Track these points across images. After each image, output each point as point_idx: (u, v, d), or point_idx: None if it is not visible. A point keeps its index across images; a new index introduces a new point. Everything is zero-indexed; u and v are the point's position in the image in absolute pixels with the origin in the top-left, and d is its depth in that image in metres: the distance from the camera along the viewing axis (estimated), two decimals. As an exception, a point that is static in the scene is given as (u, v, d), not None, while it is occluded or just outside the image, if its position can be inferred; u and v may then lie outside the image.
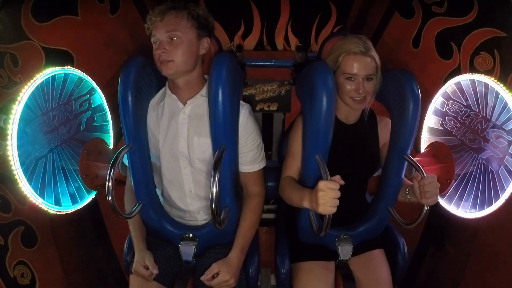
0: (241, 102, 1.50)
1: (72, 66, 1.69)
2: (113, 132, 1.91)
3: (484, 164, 1.55)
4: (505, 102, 1.44)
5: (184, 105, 1.48)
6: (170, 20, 1.37)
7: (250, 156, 1.53)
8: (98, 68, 1.88)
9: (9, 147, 1.34)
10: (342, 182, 1.24)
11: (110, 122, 1.90)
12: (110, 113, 1.89)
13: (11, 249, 1.50)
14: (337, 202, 1.23)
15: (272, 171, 1.88)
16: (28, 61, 1.51)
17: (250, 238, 1.55)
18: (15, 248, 1.52)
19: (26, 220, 1.56)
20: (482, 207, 1.53)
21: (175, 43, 1.36)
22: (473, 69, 1.68)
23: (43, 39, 1.59)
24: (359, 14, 2.69)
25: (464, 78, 1.63)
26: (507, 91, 1.44)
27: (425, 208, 1.38)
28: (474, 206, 1.57)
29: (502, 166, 1.47)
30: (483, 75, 1.55)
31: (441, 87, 1.77)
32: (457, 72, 1.77)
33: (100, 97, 1.82)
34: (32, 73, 1.47)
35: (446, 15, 1.87)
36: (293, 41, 2.78)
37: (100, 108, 1.84)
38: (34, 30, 1.55)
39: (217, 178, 1.27)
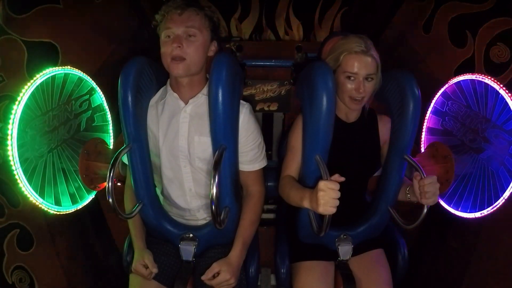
0: (242, 101, 1.50)
1: (57, 57, 1.60)
2: (113, 132, 1.91)
3: (484, 164, 1.55)
4: (505, 102, 1.44)
5: (186, 104, 1.48)
6: (190, 16, 1.36)
7: (251, 155, 1.53)
8: (86, 57, 1.80)
9: (9, 147, 1.33)
10: (342, 179, 1.25)
11: (110, 122, 1.90)
12: (110, 113, 1.88)
13: (8, 255, 1.46)
14: (337, 202, 1.23)
15: (272, 171, 1.89)
16: (9, 58, 1.42)
17: (250, 237, 1.55)
18: (12, 253, 1.48)
19: (20, 222, 1.52)
20: (482, 207, 1.53)
21: (191, 40, 1.35)
22: (488, 60, 1.61)
23: (23, 33, 1.47)
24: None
25: (464, 78, 1.63)
26: (506, 91, 1.44)
27: (425, 208, 1.39)
28: (474, 206, 1.57)
29: (502, 166, 1.47)
30: (486, 76, 1.52)
31: (452, 76, 1.69)
32: (470, 61, 1.68)
33: (100, 97, 1.82)
34: (15, 69, 1.40)
35: (463, 0, 1.73)
36: (295, 24, 2.57)
37: (100, 108, 1.83)
38: (12, 23, 1.43)
39: (217, 179, 1.28)
